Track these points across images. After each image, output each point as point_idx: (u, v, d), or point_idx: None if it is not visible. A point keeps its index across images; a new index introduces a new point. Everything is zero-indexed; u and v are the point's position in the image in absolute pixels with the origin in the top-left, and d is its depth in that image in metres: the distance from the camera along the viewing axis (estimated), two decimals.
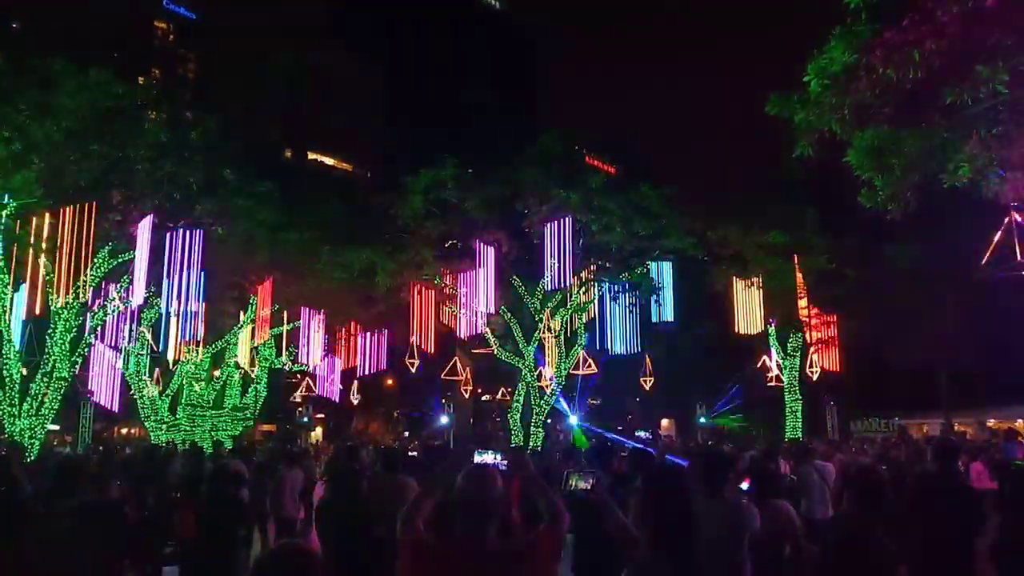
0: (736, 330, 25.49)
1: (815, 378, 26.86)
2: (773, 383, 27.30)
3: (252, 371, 27.16)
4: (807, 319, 25.40)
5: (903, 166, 11.91)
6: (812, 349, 26.00)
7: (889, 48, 10.02)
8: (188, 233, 18.87)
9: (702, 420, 34.45)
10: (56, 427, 27.87)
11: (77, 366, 20.62)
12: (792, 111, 11.52)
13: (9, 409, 18.49)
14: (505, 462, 3.89)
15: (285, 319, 26.47)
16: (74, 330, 19.63)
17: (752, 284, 25.20)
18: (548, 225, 22.26)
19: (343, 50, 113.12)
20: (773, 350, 26.79)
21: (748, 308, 25.22)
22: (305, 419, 36.78)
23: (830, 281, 24.11)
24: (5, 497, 5.89)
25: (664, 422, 43.01)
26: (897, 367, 30.13)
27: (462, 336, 25.88)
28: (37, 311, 17.96)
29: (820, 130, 11.35)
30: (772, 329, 26.38)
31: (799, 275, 24.49)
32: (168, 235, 18.60)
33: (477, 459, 3.91)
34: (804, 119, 11.36)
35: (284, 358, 28.09)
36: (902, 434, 26.52)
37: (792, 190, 23.28)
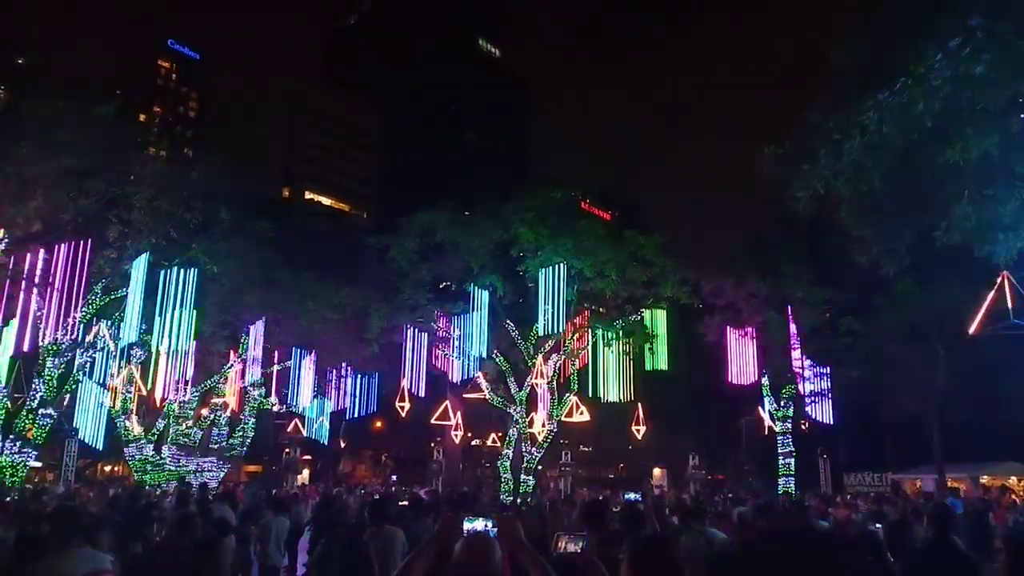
0: (729, 380, 25.41)
1: (808, 430, 26.71)
2: (766, 434, 27.15)
3: (240, 411, 26.86)
4: (800, 370, 25.36)
5: (896, 223, 12.05)
6: (806, 401, 25.91)
7: (882, 109, 10.19)
8: (182, 271, 18.82)
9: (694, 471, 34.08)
10: (39, 464, 27.41)
11: (64, 403, 20.40)
12: (785, 167, 11.67)
13: None
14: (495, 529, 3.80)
15: (276, 359, 26.28)
16: (62, 367, 19.45)
17: (746, 334, 25.20)
18: (542, 270, 22.30)
19: (341, 92, 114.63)
20: (766, 401, 26.70)
21: (742, 358, 25.18)
22: (292, 461, 36.25)
23: (824, 333, 24.16)
24: None
25: (656, 471, 42.56)
26: (890, 420, 30.05)
27: (454, 380, 25.72)
28: (26, 347, 17.78)
29: (814, 186, 11.48)
30: (766, 380, 26.32)
31: (792, 326, 24.53)
32: (162, 273, 18.55)
33: (467, 526, 3.82)
34: (797, 177, 11.50)
35: (273, 399, 27.82)
36: (895, 489, 26.31)
37: (787, 242, 23.47)
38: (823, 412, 26.03)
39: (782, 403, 26.20)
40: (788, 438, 26.11)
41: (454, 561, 2.94)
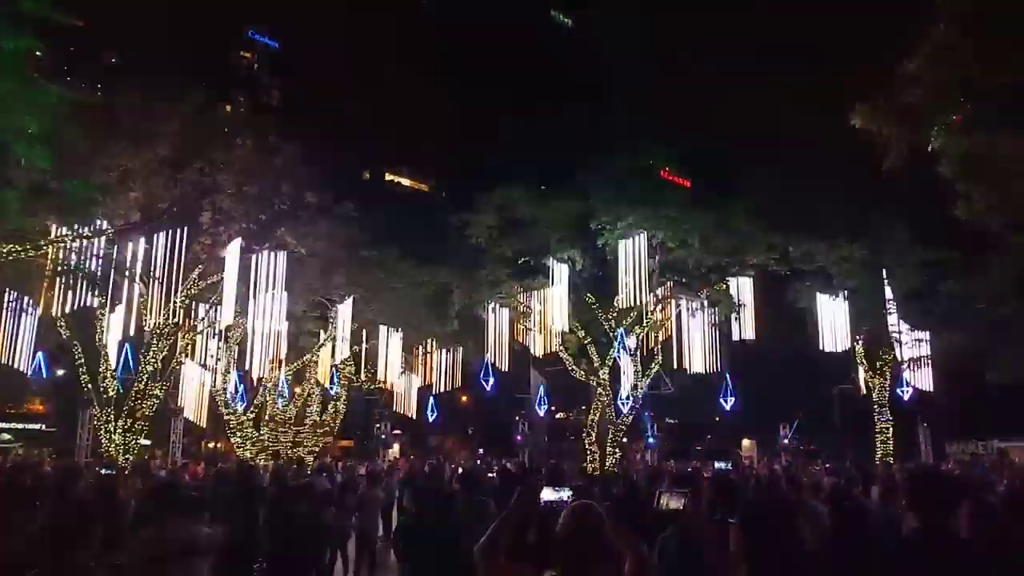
0: (822, 348, 24.57)
1: (906, 397, 25.67)
2: (862, 403, 26.24)
3: (332, 388, 27.73)
4: (897, 336, 24.30)
5: (1003, 176, 11.32)
6: (903, 367, 24.84)
7: (986, 58, 9.55)
8: (272, 254, 19.45)
9: (786, 441, 33.31)
10: (148, 442, 29.05)
11: (168, 384, 21.51)
12: (880, 123, 11.08)
13: (106, 425, 19.44)
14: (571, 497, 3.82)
15: (364, 337, 26.95)
16: (166, 349, 20.48)
17: (837, 298, 24.29)
18: (623, 242, 22.03)
19: (416, 72, 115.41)
20: (861, 369, 25.76)
21: (834, 325, 24.29)
22: (383, 436, 37.31)
23: (922, 296, 23.04)
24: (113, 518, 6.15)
25: (745, 443, 41.79)
26: (997, 386, 28.48)
27: (537, 354, 25.83)
28: (132, 332, 18.82)
29: (912, 140, 10.89)
30: (860, 346, 25.37)
31: (888, 290, 23.48)
32: (254, 257, 19.22)
33: (547, 496, 3.85)
34: (894, 132, 10.92)
35: (363, 375, 28.60)
36: (1002, 457, 25.11)
37: (882, 202, 22.38)
38: (922, 378, 24.94)
39: (878, 370, 25.24)
40: (885, 406, 25.18)
41: (562, 529, 2.93)
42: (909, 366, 24.77)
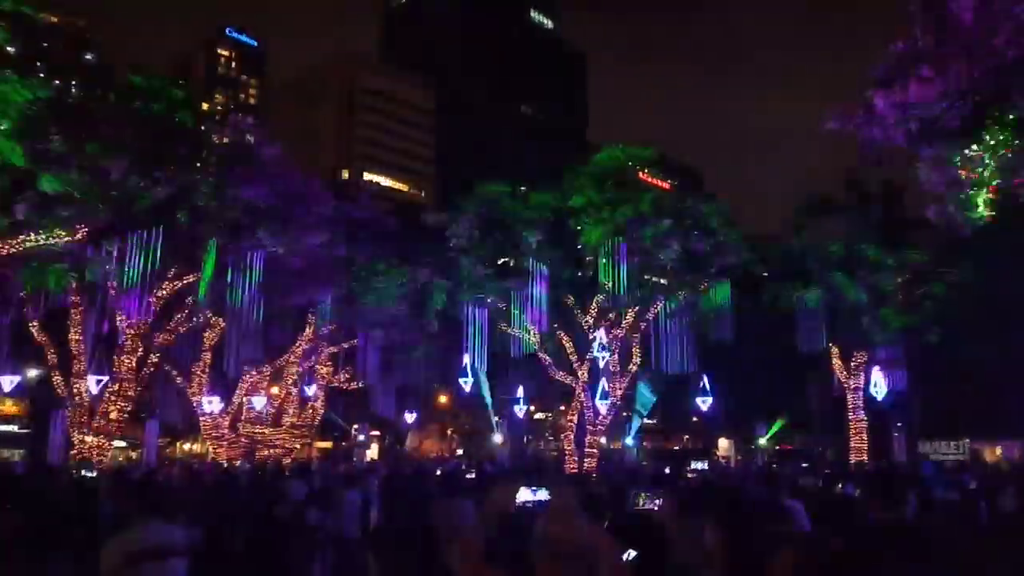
0: (797, 348, 24.80)
1: (880, 397, 26.00)
2: (837, 403, 26.54)
3: (309, 389, 27.58)
4: (872, 336, 24.57)
5: (975, 181, 11.51)
6: (878, 367, 25.14)
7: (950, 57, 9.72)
8: (250, 255, 19.31)
9: (763, 441, 33.64)
10: (122, 443, 28.72)
11: (143, 385, 21.26)
12: (852, 125, 11.24)
13: (79, 427, 19.19)
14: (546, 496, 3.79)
15: (342, 336, 26.81)
16: (140, 350, 20.24)
17: (814, 300, 24.52)
18: (602, 244, 22.11)
19: (397, 72, 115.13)
20: (836, 369, 26.03)
21: (810, 325, 24.50)
22: (361, 436, 37.17)
23: (897, 297, 23.36)
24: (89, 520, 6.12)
25: (722, 443, 42.10)
26: (969, 386, 28.96)
27: (516, 355, 25.84)
28: (106, 331, 18.59)
29: (885, 144, 11.06)
30: (835, 347, 25.64)
31: (864, 291, 23.76)
32: (230, 257, 19.06)
33: (524, 496, 3.83)
34: (865, 132, 11.08)
35: (341, 375, 28.48)
36: (975, 457, 25.51)
37: (856, 204, 22.68)
38: (897, 379, 25.25)
39: (853, 371, 25.53)
40: (859, 406, 25.46)
41: (538, 530, 2.90)
42: (884, 367, 25.07)
